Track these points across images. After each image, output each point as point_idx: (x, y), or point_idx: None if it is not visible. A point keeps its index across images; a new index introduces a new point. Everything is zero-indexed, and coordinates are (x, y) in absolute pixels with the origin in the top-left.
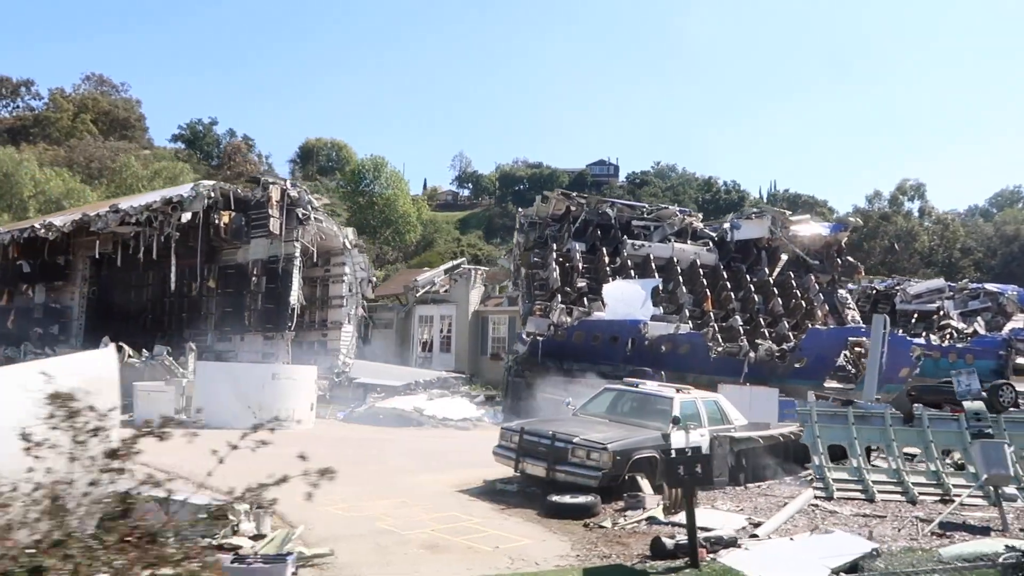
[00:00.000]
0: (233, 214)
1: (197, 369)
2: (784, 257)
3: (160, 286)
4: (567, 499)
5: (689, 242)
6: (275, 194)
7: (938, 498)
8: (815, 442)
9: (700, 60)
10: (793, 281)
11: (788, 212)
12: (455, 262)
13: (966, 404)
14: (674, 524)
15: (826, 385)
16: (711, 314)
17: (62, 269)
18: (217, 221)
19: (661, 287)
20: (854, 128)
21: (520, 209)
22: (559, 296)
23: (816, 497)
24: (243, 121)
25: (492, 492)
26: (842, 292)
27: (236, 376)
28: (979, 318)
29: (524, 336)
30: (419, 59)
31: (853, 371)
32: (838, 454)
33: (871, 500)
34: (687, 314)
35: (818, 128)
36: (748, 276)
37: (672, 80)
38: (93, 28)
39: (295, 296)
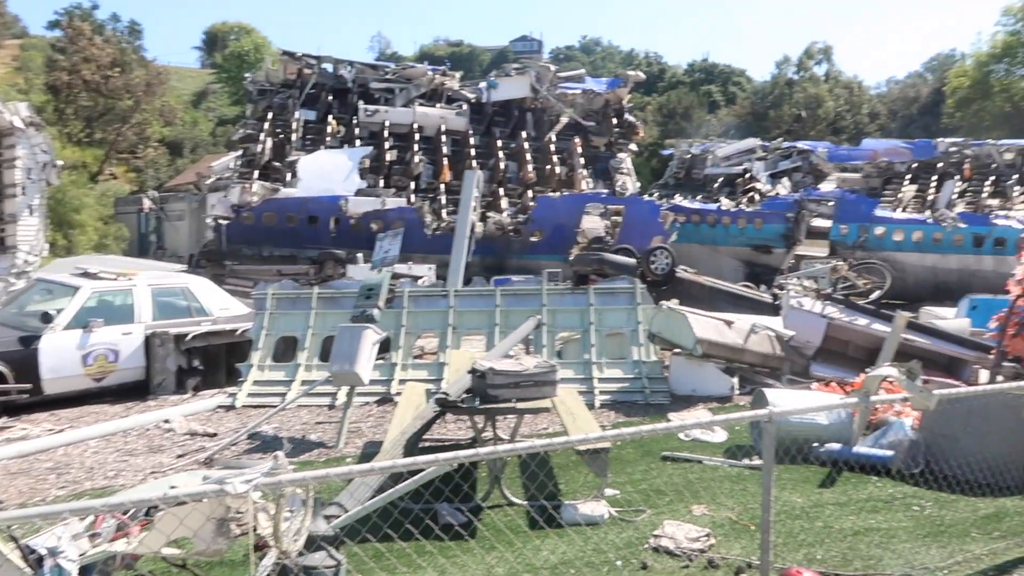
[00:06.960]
0: None
1: None
2: (564, 120)
3: None
4: None
5: (439, 105)
6: None
7: None
8: (258, 333)
9: None
10: (552, 146)
11: (553, 67)
12: None
13: (366, 276)
14: None
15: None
16: (442, 187)
17: None
18: None
19: (392, 156)
20: None
21: (247, 75)
22: (256, 172)
23: (220, 406)
24: (136, 7)
25: None
26: (621, 156)
27: None
28: (785, 179)
29: (209, 221)
30: None
31: (610, 241)
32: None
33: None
34: (413, 187)
35: None
36: (502, 142)
37: None
38: None
39: None
